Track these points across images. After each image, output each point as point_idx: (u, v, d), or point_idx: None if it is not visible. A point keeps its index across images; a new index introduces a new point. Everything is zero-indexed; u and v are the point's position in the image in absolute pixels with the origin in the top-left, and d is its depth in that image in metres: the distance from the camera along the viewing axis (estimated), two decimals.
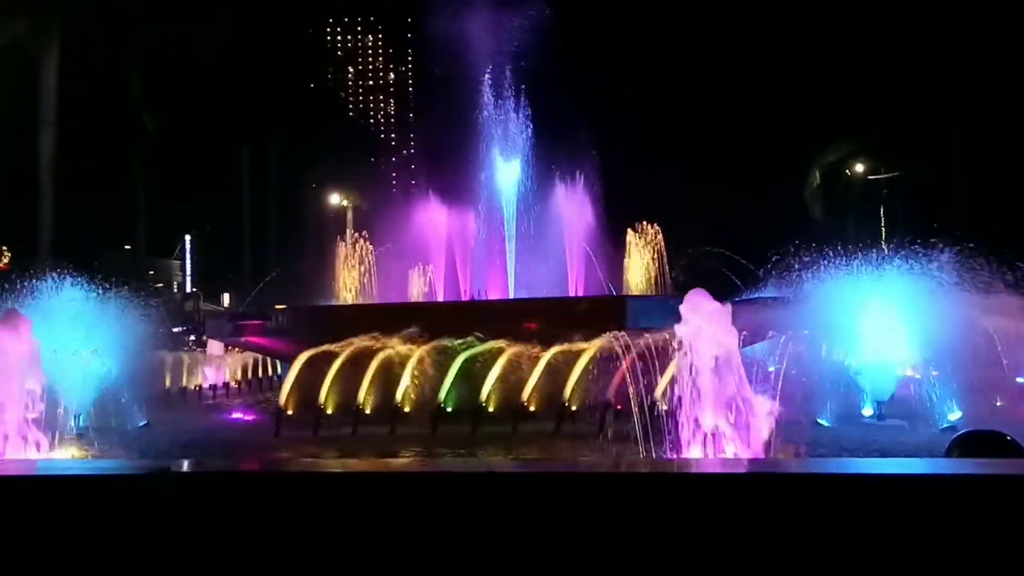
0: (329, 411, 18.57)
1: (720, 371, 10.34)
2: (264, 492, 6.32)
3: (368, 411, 18.51)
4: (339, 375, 18.74)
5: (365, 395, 18.54)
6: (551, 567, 5.68)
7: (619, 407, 16.09)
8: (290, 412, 18.55)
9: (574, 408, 17.64)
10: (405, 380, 18.67)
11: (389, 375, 18.88)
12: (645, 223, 34.65)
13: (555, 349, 18.29)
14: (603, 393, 16.27)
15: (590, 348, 17.55)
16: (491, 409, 18.31)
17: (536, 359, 18.33)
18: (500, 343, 18.93)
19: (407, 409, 18.60)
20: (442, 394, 18.44)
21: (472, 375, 18.71)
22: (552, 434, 16.67)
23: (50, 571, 5.88)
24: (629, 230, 34.20)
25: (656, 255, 34.15)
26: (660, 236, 34.53)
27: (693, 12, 59.23)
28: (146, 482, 6.14)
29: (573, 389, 17.75)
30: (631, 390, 12.46)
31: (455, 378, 18.63)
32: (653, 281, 33.49)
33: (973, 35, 48.09)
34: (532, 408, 18.06)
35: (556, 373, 18.08)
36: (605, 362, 16.37)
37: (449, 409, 18.50)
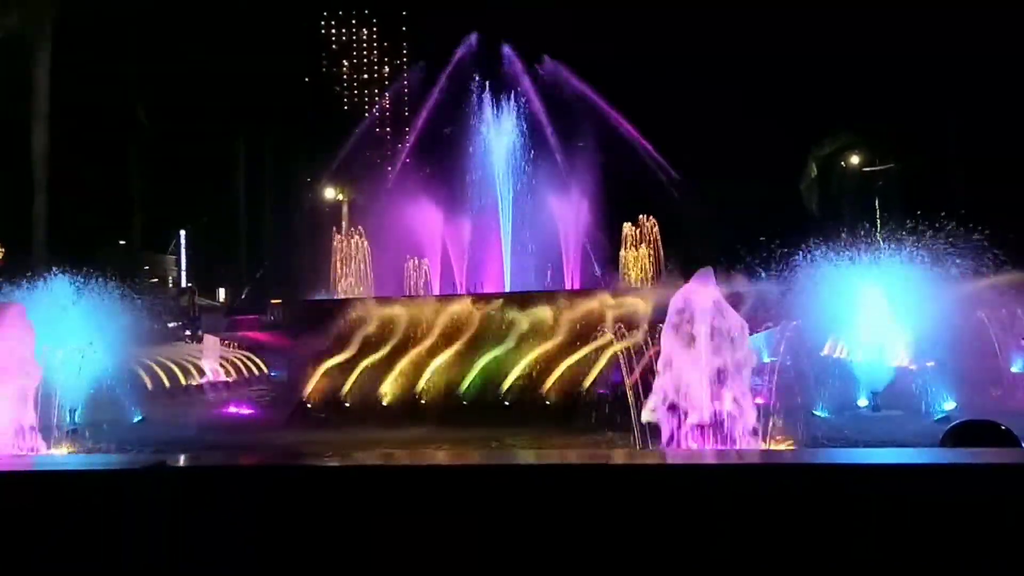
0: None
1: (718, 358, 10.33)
2: (262, 486, 6.30)
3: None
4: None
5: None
6: (547, 561, 5.68)
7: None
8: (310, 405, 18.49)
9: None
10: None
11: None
12: (642, 216, 34.69)
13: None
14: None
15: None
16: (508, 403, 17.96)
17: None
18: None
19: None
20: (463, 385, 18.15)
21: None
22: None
23: (45, 567, 5.86)
24: (626, 223, 34.23)
25: (652, 248, 34.20)
26: (656, 229, 34.58)
27: (688, 5, 59.22)
28: (142, 477, 6.12)
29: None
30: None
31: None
32: (649, 274, 33.52)
33: (967, 25, 48.12)
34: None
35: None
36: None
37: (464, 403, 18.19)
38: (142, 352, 21.83)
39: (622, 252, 34.02)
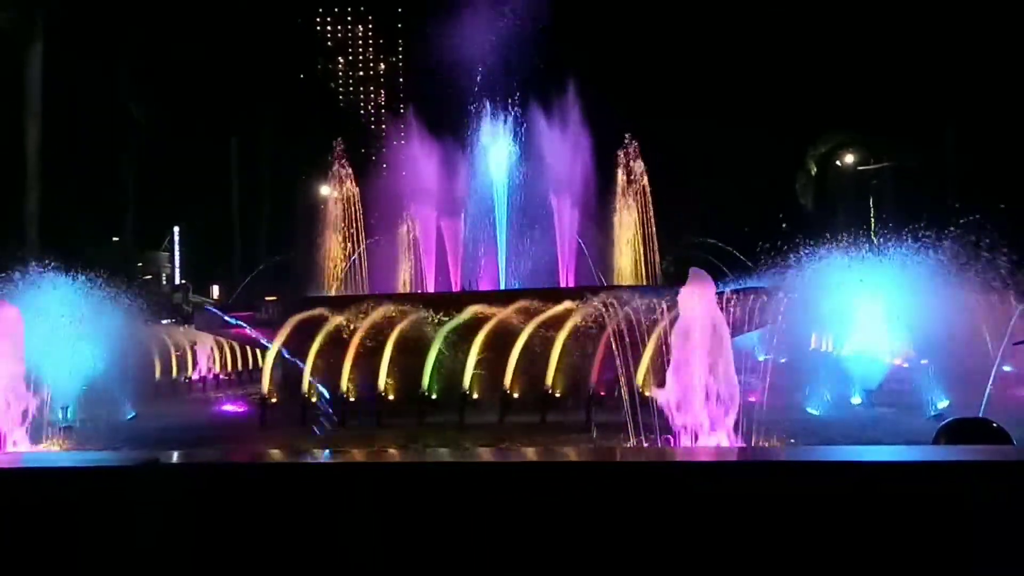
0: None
1: (709, 356, 10.35)
2: (254, 483, 6.29)
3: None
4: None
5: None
6: (537, 561, 5.68)
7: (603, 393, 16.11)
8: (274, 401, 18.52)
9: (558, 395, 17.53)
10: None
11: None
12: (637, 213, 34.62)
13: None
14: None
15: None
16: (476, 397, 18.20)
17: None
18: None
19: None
20: (424, 381, 18.21)
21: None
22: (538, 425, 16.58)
23: (37, 565, 5.84)
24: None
25: (648, 245, 34.18)
26: (652, 226, 34.54)
27: (681, 3, 59.21)
28: (135, 474, 6.10)
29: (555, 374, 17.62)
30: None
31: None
32: (644, 271, 33.52)
33: (963, 25, 48.19)
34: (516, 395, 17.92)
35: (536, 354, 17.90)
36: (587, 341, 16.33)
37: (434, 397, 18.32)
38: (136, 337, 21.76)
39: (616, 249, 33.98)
